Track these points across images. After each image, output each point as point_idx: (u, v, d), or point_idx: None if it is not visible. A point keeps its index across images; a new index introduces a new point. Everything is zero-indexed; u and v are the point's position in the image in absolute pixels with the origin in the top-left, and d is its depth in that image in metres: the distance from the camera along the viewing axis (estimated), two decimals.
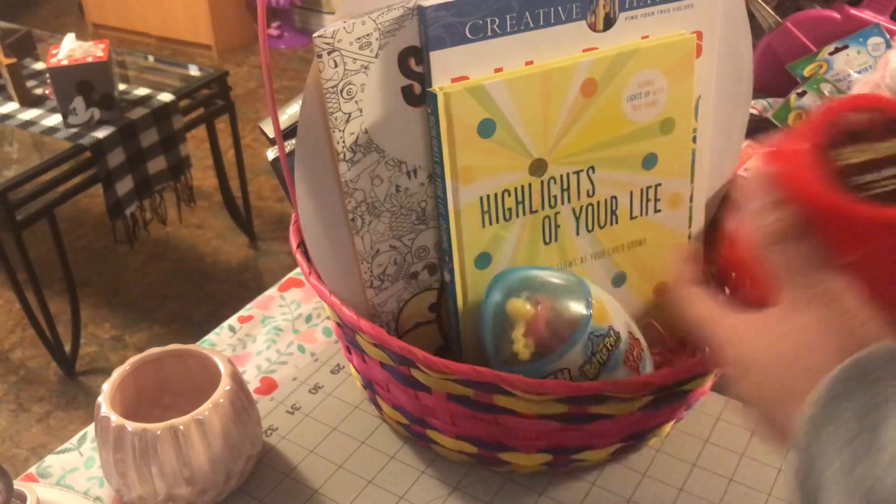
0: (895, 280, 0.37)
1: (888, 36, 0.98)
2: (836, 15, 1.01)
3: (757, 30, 1.07)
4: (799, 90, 0.98)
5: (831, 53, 0.99)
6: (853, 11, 1.00)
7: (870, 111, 0.36)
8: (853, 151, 0.36)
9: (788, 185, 0.36)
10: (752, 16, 1.07)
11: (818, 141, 0.35)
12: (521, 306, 0.55)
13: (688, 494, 0.62)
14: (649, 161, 0.62)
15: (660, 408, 0.58)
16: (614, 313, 0.56)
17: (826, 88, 0.97)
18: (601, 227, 0.63)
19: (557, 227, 0.61)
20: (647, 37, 0.60)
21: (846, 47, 0.99)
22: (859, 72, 0.97)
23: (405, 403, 0.61)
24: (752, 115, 1.00)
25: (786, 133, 0.37)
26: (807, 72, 1.00)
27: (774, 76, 1.05)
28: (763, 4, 1.05)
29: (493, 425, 0.58)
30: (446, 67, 0.54)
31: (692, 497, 0.62)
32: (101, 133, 1.88)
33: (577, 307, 0.55)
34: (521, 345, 0.54)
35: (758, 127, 1.00)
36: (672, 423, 0.65)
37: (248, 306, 0.83)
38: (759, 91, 1.06)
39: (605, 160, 0.60)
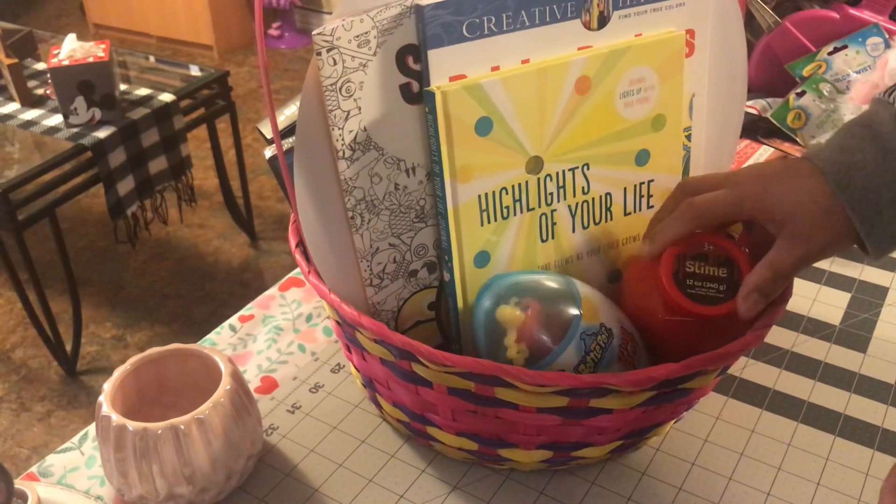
0: (685, 337, 0.58)
1: (887, 36, 0.98)
2: (835, 15, 1.01)
3: (756, 30, 1.07)
4: (798, 90, 0.98)
5: (830, 53, 0.99)
6: (852, 11, 1.01)
7: (712, 243, 0.58)
8: (693, 264, 0.57)
9: (657, 269, 0.58)
10: (751, 16, 1.07)
11: (680, 251, 0.58)
12: (510, 312, 0.55)
13: (687, 494, 0.62)
14: (642, 157, 0.62)
15: (661, 405, 0.58)
16: (604, 310, 0.57)
17: (825, 88, 0.97)
18: (596, 224, 0.63)
19: (554, 224, 0.61)
20: (641, 35, 0.60)
21: (845, 47, 0.99)
22: (858, 72, 0.97)
23: (405, 400, 0.61)
24: (751, 114, 1.00)
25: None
26: (806, 71, 1.00)
27: (774, 76, 1.05)
28: (762, 4, 1.05)
29: (493, 420, 0.58)
30: (444, 66, 0.54)
31: (691, 496, 0.62)
32: (102, 133, 1.88)
33: (566, 308, 0.55)
34: (514, 351, 0.55)
35: (757, 126, 1.01)
36: (672, 422, 0.65)
37: (249, 306, 0.83)
38: (759, 91, 1.06)
39: (599, 157, 0.61)
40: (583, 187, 0.61)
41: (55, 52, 1.87)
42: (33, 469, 0.65)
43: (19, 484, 0.56)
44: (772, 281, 0.54)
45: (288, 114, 0.64)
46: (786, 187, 0.54)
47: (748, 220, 0.58)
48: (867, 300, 0.81)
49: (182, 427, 0.56)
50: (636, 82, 0.59)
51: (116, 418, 0.57)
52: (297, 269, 0.87)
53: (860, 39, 0.99)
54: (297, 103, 0.56)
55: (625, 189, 0.63)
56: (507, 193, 0.59)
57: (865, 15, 1.00)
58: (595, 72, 0.58)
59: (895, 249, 0.54)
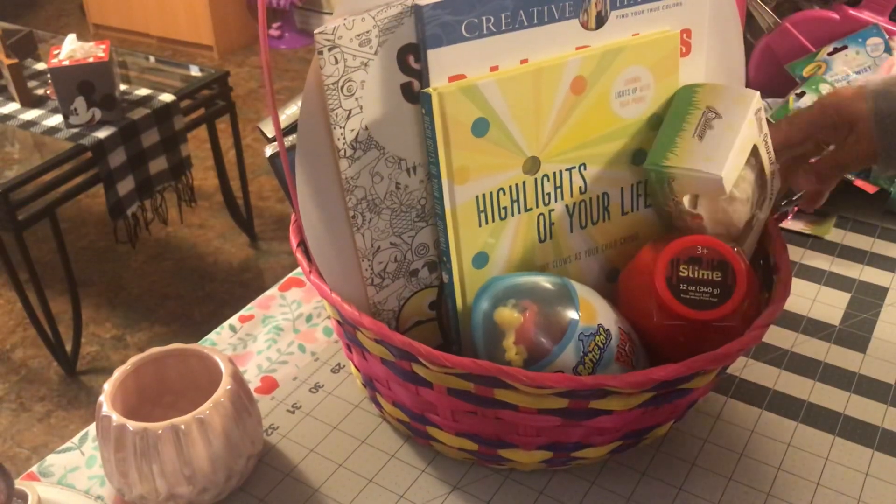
0: (681, 340, 0.58)
1: (887, 36, 0.98)
2: (835, 15, 1.01)
3: (756, 30, 1.07)
4: (798, 91, 0.98)
5: (830, 54, 0.99)
6: (852, 12, 1.01)
7: (706, 247, 0.58)
8: (687, 268, 0.57)
9: (651, 273, 0.58)
10: (751, 16, 1.07)
11: (673, 255, 0.58)
12: (508, 314, 0.55)
13: (687, 494, 0.62)
14: (638, 157, 0.62)
15: (661, 405, 0.58)
16: (602, 310, 0.57)
17: (825, 89, 0.97)
18: (594, 224, 0.63)
19: (552, 224, 0.61)
20: (638, 35, 0.60)
21: (845, 48, 0.99)
22: (858, 72, 0.97)
23: (406, 400, 0.61)
24: None
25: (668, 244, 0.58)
26: (806, 72, 1.00)
27: (773, 76, 1.05)
28: (762, 5, 1.05)
29: (493, 421, 0.58)
30: (443, 66, 0.55)
31: (691, 496, 0.62)
32: (102, 133, 1.88)
33: (563, 309, 0.55)
34: (513, 352, 0.55)
35: None
36: (672, 422, 0.65)
37: (249, 306, 0.83)
38: (759, 91, 1.06)
39: (595, 157, 0.61)
40: (580, 187, 0.61)
41: (55, 52, 1.87)
42: (33, 469, 0.65)
43: (19, 484, 0.56)
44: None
45: (289, 113, 0.64)
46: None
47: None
48: (867, 300, 0.81)
49: (182, 427, 0.56)
50: (631, 82, 0.60)
51: (117, 418, 0.57)
52: (297, 269, 0.87)
53: (860, 40, 0.99)
54: (298, 103, 0.56)
55: (622, 188, 0.63)
56: (504, 194, 0.59)
57: (865, 15, 1.00)
58: (590, 72, 0.58)
59: None
